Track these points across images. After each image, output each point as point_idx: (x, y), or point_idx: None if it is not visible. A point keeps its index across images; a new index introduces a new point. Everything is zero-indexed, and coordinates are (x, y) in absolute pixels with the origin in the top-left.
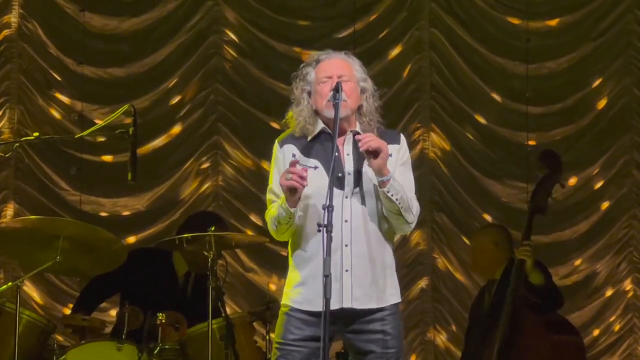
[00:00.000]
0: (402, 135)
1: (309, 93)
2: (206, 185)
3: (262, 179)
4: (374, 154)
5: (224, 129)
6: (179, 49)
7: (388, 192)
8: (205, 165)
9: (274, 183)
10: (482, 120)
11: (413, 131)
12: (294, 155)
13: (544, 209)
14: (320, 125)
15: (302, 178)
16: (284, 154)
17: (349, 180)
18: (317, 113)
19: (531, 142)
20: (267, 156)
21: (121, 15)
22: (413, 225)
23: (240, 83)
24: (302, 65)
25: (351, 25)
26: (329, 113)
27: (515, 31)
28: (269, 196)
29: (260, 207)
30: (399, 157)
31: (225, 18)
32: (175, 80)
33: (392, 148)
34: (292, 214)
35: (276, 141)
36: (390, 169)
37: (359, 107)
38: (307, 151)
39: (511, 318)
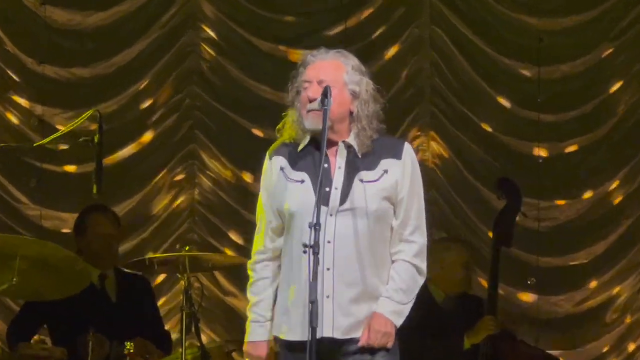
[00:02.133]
0: (405, 145)
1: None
2: (181, 199)
3: (242, 192)
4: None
5: (200, 137)
6: (150, 47)
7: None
8: (179, 177)
9: (262, 201)
10: (487, 128)
11: (411, 140)
12: (281, 169)
13: (509, 242)
14: (310, 134)
15: None
16: (271, 167)
17: (335, 196)
18: None
19: (542, 153)
20: (249, 167)
21: (86, 8)
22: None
23: (219, 85)
24: (298, 64)
25: (342, 22)
26: (308, 123)
27: (525, 29)
28: (257, 214)
29: (241, 224)
30: (403, 178)
31: (203, 12)
32: (146, 82)
33: (390, 164)
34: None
35: (267, 153)
36: (387, 192)
37: (351, 113)
38: (295, 163)
39: None
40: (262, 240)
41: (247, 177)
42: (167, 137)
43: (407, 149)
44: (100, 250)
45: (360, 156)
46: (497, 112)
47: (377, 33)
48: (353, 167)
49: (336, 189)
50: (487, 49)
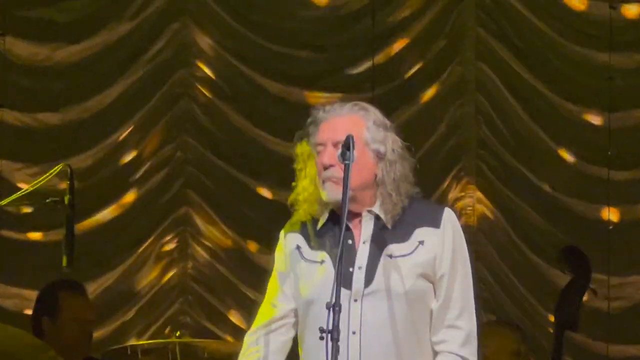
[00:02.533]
0: (446, 210)
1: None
2: (171, 274)
3: (245, 265)
4: None
5: (194, 198)
6: (133, 88)
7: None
8: (169, 247)
9: (274, 281)
10: (546, 187)
11: (453, 202)
12: (298, 248)
13: (575, 325)
14: (330, 207)
15: None
16: (286, 246)
17: (359, 277)
18: None
19: (613, 218)
20: (253, 234)
21: (55, 40)
22: None
23: (217, 135)
24: (308, 119)
25: (369, 57)
26: (327, 195)
27: (592, 67)
28: (266, 294)
29: (244, 304)
30: (443, 250)
31: (197, 45)
32: (128, 131)
33: (426, 233)
34: None
35: (281, 231)
36: (424, 268)
37: (375, 177)
38: (314, 241)
39: None
40: (266, 311)
41: (252, 247)
42: (154, 197)
43: (448, 215)
44: (76, 339)
45: (389, 227)
46: (558, 168)
47: (412, 71)
48: (380, 241)
49: (360, 268)
50: (545, 91)
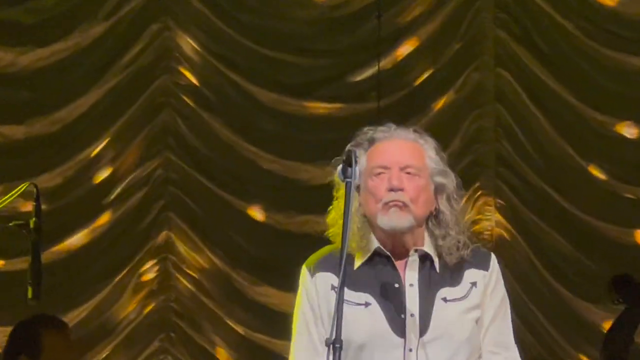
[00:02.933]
0: (492, 256)
1: (358, 188)
2: (150, 307)
3: (235, 297)
4: None
5: (177, 222)
6: (109, 97)
7: None
8: (148, 277)
9: (298, 346)
10: (575, 210)
11: (469, 226)
12: (334, 288)
13: None
14: (375, 243)
15: None
16: (316, 288)
17: (412, 324)
18: (370, 223)
19: None
20: (243, 263)
21: (20, 43)
22: None
23: (202, 151)
24: (351, 142)
25: (374, 63)
26: (389, 221)
27: (626, 72)
28: (292, 347)
29: (234, 341)
30: (487, 290)
31: (180, 49)
32: (102, 145)
33: (476, 275)
34: None
35: (304, 266)
36: (478, 312)
37: (433, 216)
38: (354, 281)
39: None
40: None
41: (242, 277)
42: (132, 221)
43: (495, 260)
44: None
45: (438, 270)
46: (588, 188)
47: (422, 78)
48: (431, 284)
49: (412, 315)
50: (573, 101)
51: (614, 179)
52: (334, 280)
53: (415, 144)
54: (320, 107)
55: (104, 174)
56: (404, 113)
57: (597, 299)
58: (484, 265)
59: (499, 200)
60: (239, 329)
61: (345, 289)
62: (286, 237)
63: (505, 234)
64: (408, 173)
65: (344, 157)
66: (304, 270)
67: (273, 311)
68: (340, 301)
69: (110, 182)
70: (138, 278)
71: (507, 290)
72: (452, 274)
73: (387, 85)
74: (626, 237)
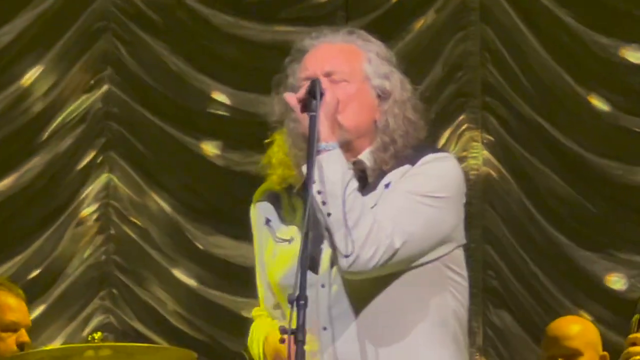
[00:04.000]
0: (437, 154)
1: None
2: (89, 260)
3: (185, 248)
4: None
5: (119, 162)
6: (40, 22)
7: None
8: (87, 225)
9: (257, 282)
10: (572, 145)
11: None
12: (268, 222)
13: None
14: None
15: None
16: (257, 221)
17: (326, 256)
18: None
19: None
20: (196, 208)
21: None
22: (350, 266)
23: (147, 81)
24: (287, 57)
25: None
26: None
27: None
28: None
29: (183, 297)
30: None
31: None
32: (35, 76)
33: (397, 174)
34: None
35: (254, 197)
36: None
37: (375, 123)
38: (287, 212)
39: None
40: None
41: (194, 224)
42: (67, 162)
43: (434, 156)
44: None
45: (370, 181)
46: (588, 120)
47: None
48: None
49: None
50: (570, 21)
51: (618, 110)
52: (270, 211)
53: (348, 46)
54: (280, 31)
55: (35, 110)
56: (377, 37)
57: (598, 247)
58: (414, 159)
59: (487, 135)
60: (190, 284)
61: (276, 222)
62: (243, 180)
63: (493, 174)
64: (334, 80)
65: (308, 88)
66: (251, 207)
67: (228, 263)
68: (304, 250)
69: (42, 119)
70: (75, 227)
71: (496, 238)
72: (375, 179)
73: (358, 5)
74: (631, 176)
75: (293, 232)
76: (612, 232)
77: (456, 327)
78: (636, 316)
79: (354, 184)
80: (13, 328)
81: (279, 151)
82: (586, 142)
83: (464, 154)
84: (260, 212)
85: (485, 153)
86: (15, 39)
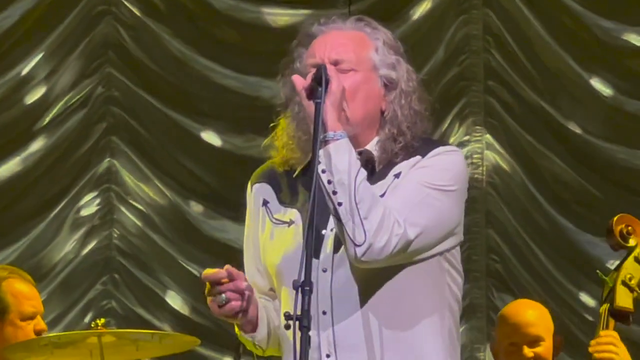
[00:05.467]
0: (446, 147)
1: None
2: (91, 246)
3: (187, 233)
4: None
5: (121, 147)
6: (40, 6)
7: (318, 164)
8: (89, 211)
9: (245, 254)
10: (575, 128)
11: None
12: (265, 203)
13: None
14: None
15: (240, 295)
16: (253, 202)
17: (328, 241)
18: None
19: None
20: (197, 194)
21: None
22: (362, 255)
23: (149, 65)
24: (294, 42)
25: None
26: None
27: None
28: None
29: (185, 283)
30: (411, 168)
31: None
32: (34, 62)
33: (407, 165)
34: (256, 346)
35: (250, 178)
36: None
37: (382, 113)
38: (285, 195)
39: None
40: None
41: (196, 209)
42: (69, 147)
43: (444, 149)
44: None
45: (377, 170)
46: (592, 104)
47: None
48: None
49: (332, 230)
50: (574, 4)
51: (622, 94)
52: (269, 192)
53: (356, 34)
54: (280, 14)
55: (36, 95)
56: (379, 20)
57: (601, 231)
58: (424, 151)
59: (490, 119)
60: (193, 269)
61: (275, 204)
62: (246, 164)
63: (497, 158)
64: (341, 69)
65: (314, 75)
66: (248, 187)
67: (231, 248)
68: (308, 238)
69: (43, 104)
70: (77, 212)
71: (500, 222)
72: (385, 167)
73: None
74: (634, 160)
75: (293, 216)
76: (615, 215)
77: (451, 321)
78: (604, 306)
79: (363, 173)
80: (30, 316)
81: (282, 134)
82: (589, 126)
83: (466, 138)
84: (258, 193)
85: (488, 137)
86: (16, 23)
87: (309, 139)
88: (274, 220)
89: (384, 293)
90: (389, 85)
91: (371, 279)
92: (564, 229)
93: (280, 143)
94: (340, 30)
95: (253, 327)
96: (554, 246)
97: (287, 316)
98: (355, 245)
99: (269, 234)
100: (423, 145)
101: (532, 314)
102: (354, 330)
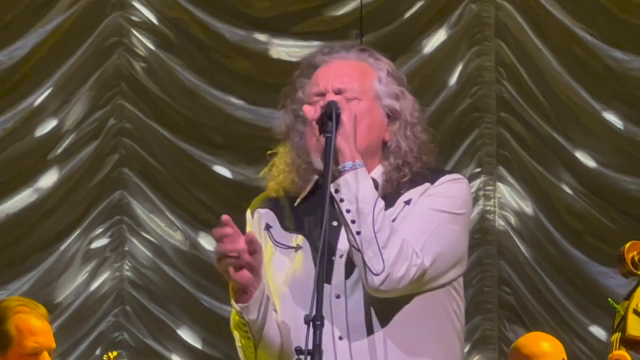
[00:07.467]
0: (453, 175)
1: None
2: (102, 278)
3: (199, 265)
4: None
5: (133, 179)
6: (53, 37)
7: (337, 193)
8: (100, 243)
9: None
10: (587, 159)
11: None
12: (268, 227)
13: None
14: (314, 178)
15: (233, 241)
16: (257, 226)
17: (339, 267)
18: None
19: None
20: (208, 226)
21: None
22: (380, 284)
23: (161, 97)
24: (296, 72)
25: None
26: (318, 164)
27: None
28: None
29: (199, 316)
30: (420, 196)
31: None
32: (46, 93)
33: (416, 193)
34: (247, 324)
35: (250, 207)
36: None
37: (385, 143)
38: (290, 221)
39: None
40: None
41: (207, 243)
42: (81, 179)
43: (452, 177)
44: None
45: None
46: (604, 136)
47: (412, 11)
48: None
49: (342, 256)
50: (586, 36)
51: (634, 125)
52: (271, 218)
53: (360, 64)
54: (293, 46)
55: (48, 126)
56: (391, 52)
57: (614, 262)
58: (432, 179)
59: (502, 151)
60: (204, 302)
61: (278, 229)
62: (257, 196)
63: (509, 190)
64: (345, 98)
65: (324, 109)
66: (247, 214)
67: None
68: (320, 272)
69: (56, 135)
70: (88, 244)
71: (511, 253)
72: (392, 195)
73: (371, 20)
74: None
75: (300, 241)
76: None
77: (457, 346)
78: (615, 335)
79: (381, 202)
80: (33, 352)
81: (280, 161)
82: (601, 157)
83: (478, 170)
84: (261, 218)
85: (501, 169)
86: (28, 54)
87: (308, 168)
88: (277, 244)
89: (399, 318)
90: (392, 115)
91: (386, 304)
92: (575, 260)
93: (277, 169)
94: (343, 60)
95: (245, 298)
96: (565, 277)
97: (299, 351)
98: (374, 274)
99: (270, 256)
100: (430, 172)
101: (546, 346)
102: (372, 356)
